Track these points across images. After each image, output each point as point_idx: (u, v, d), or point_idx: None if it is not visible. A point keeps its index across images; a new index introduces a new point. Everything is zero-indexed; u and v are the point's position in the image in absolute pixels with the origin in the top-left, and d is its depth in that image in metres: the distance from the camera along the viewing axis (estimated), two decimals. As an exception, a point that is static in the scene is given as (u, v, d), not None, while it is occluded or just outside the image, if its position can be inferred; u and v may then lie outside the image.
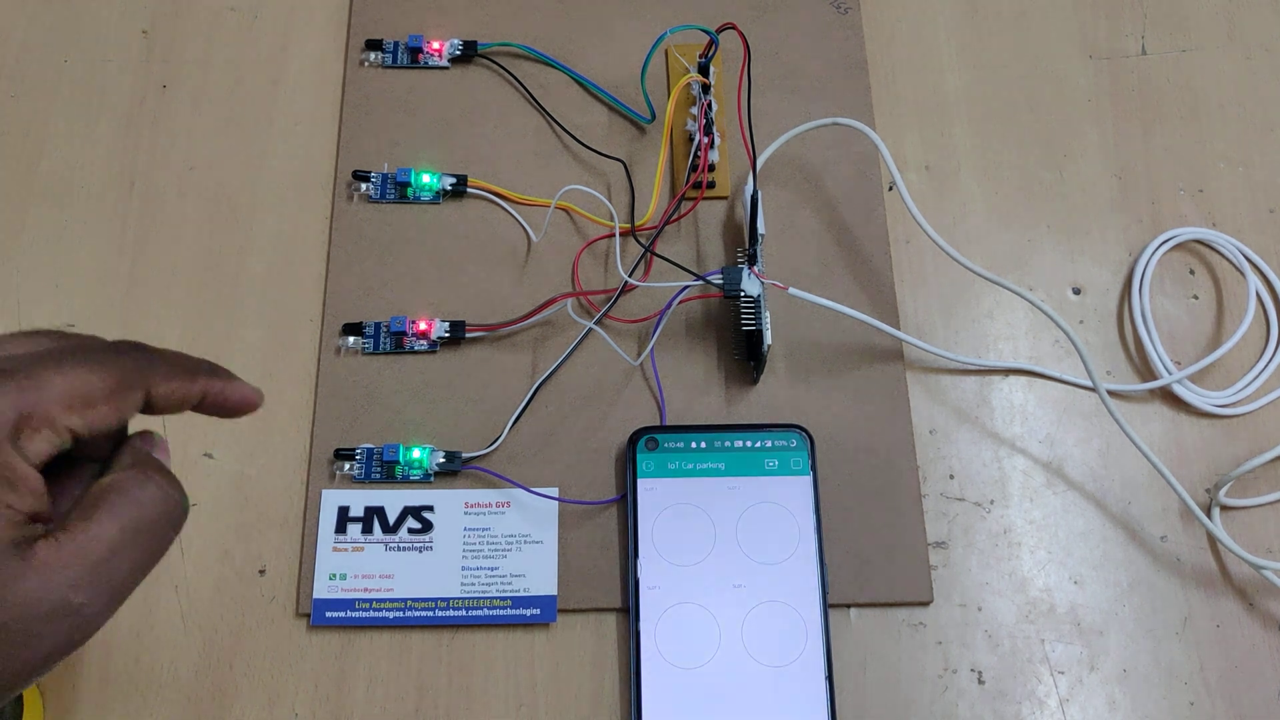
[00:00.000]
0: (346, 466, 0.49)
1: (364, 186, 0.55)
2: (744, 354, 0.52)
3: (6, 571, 0.29)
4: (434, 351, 0.52)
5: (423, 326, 0.51)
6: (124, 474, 0.32)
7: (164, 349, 0.35)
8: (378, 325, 0.52)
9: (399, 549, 0.48)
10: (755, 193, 0.51)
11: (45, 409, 0.31)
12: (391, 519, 0.49)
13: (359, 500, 0.49)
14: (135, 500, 0.32)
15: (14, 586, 0.29)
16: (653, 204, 0.54)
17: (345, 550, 0.48)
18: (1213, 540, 0.50)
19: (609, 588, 0.48)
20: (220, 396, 0.37)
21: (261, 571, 0.48)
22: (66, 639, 0.30)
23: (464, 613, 0.47)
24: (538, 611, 0.47)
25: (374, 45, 0.58)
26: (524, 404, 0.50)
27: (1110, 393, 0.51)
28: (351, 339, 0.52)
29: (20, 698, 0.44)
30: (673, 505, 0.48)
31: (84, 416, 0.32)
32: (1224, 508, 0.50)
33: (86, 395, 0.32)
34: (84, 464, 0.34)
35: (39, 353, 0.33)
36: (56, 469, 0.33)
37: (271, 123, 0.57)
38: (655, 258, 0.53)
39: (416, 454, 0.49)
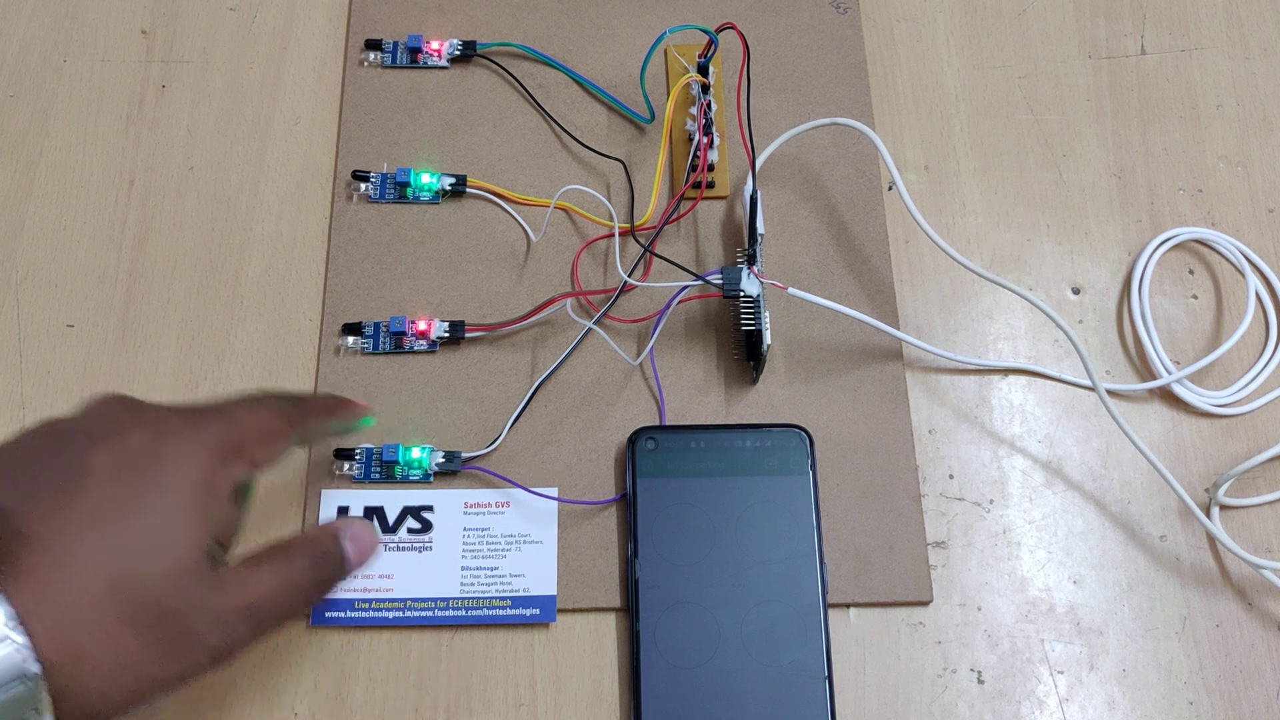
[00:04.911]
0: (346, 466, 0.49)
1: (363, 186, 0.55)
2: (743, 354, 0.52)
3: (202, 572, 0.35)
4: (433, 351, 0.52)
5: (422, 326, 0.51)
6: (294, 540, 0.38)
7: (305, 392, 0.44)
8: (377, 325, 0.52)
9: (398, 549, 0.48)
10: (755, 192, 0.51)
11: (243, 441, 0.38)
12: (391, 519, 0.49)
13: (358, 500, 0.49)
14: (292, 565, 0.38)
15: (202, 587, 0.34)
16: (652, 204, 0.54)
17: (345, 550, 0.48)
18: (1212, 540, 0.50)
19: (609, 588, 0.48)
20: (348, 415, 0.45)
21: (261, 571, 0.48)
22: (210, 657, 0.35)
23: (463, 613, 0.47)
24: (537, 611, 0.47)
25: (373, 45, 0.58)
26: (523, 404, 0.50)
27: (1109, 392, 0.51)
28: (351, 339, 0.52)
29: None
30: (672, 505, 0.48)
31: (268, 449, 0.39)
32: (1223, 507, 0.50)
33: (270, 432, 0.39)
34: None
35: (231, 398, 0.40)
36: None
37: (271, 123, 0.57)
38: (655, 257, 0.53)
39: (416, 454, 0.49)
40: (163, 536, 0.34)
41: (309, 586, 0.38)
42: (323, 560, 0.38)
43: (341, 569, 0.39)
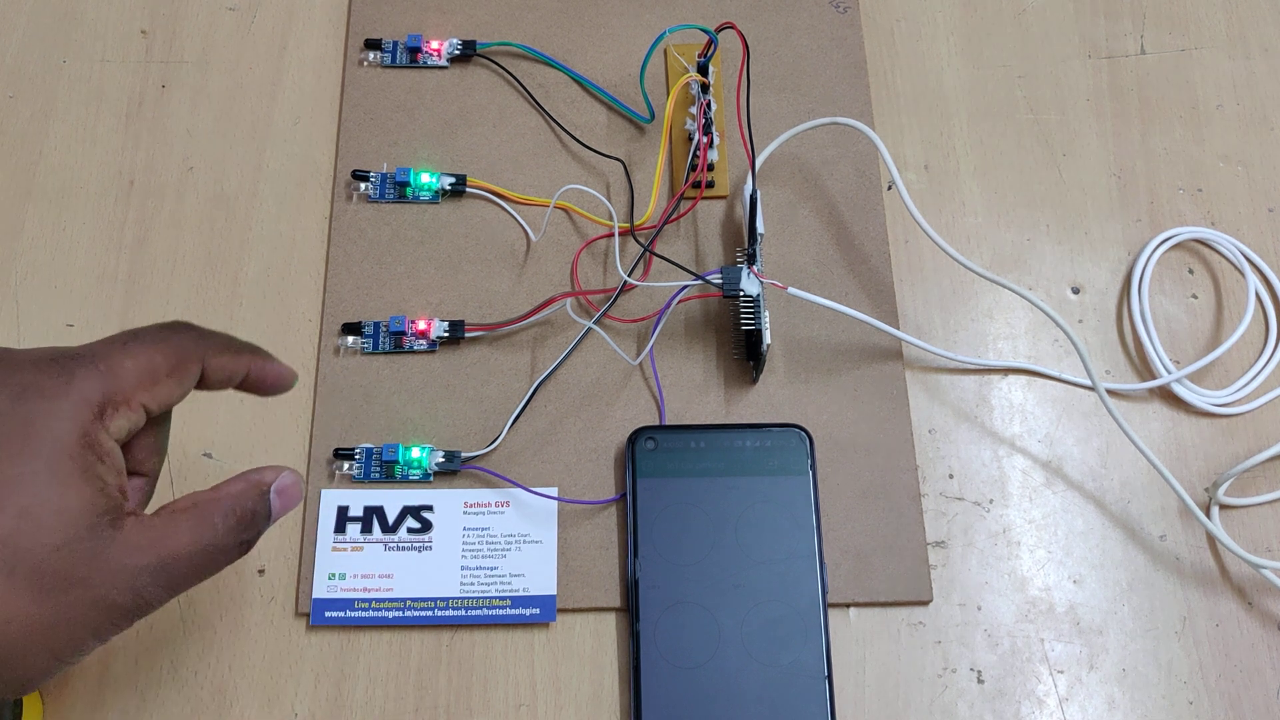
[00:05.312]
0: (346, 466, 0.49)
1: (363, 186, 0.55)
2: (743, 354, 0.52)
3: (101, 536, 0.33)
4: (433, 351, 0.52)
5: (422, 326, 0.51)
6: (216, 497, 0.36)
7: (212, 329, 0.39)
8: (377, 325, 0.52)
9: (398, 549, 0.48)
10: (754, 192, 0.51)
11: (123, 390, 0.35)
12: (391, 519, 0.49)
13: (358, 500, 0.49)
14: (213, 526, 0.35)
15: (103, 550, 0.33)
16: (652, 203, 0.54)
17: (345, 550, 0.48)
18: (1212, 539, 0.50)
19: (608, 587, 0.48)
20: (261, 373, 0.40)
21: (261, 571, 0.48)
22: (125, 615, 0.34)
23: (463, 612, 0.47)
24: (537, 611, 0.47)
25: (373, 45, 0.58)
26: (523, 404, 0.50)
27: (1109, 392, 0.51)
28: (351, 339, 0.52)
29: (19, 699, 0.44)
30: (672, 505, 0.48)
31: (154, 394, 0.36)
32: (1223, 507, 0.50)
33: (154, 374, 0.36)
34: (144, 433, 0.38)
35: (108, 339, 0.37)
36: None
37: (270, 123, 0.57)
38: (654, 257, 0.53)
39: (416, 454, 0.49)
40: (46, 509, 0.32)
41: (230, 548, 0.35)
42: (248, 521, 0.36)
43: (265, 527, 0.37)
